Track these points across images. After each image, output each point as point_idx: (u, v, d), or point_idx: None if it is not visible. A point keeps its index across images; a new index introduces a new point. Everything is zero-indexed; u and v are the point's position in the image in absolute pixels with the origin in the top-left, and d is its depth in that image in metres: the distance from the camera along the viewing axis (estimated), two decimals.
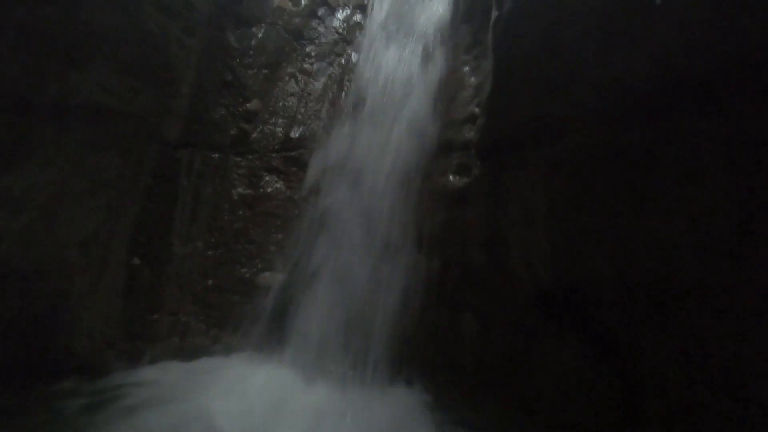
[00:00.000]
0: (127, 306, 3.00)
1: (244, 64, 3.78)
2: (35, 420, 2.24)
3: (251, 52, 3.84)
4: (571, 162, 2.28)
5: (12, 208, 2.11)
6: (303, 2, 4.22)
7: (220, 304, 3.46)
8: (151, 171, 3.05)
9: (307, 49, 4.21)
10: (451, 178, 3.07)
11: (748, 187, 1.70)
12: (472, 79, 3.27)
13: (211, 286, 3.46)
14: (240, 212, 3.66)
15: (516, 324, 2.68)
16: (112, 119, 2.34)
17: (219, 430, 2.24)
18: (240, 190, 3.70)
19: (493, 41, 2.67)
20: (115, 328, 2.89)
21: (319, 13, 4.35)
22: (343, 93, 4.13)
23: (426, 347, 3.04)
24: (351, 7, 4.47)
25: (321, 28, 4.32)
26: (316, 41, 4.26)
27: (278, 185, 3.80)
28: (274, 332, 3.34)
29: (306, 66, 4.15)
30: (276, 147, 3.87)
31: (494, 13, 2.69)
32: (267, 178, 3.80)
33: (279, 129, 3.91)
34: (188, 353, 3.26)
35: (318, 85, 4.12)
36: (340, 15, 4.44)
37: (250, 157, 3.79)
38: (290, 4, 4.12)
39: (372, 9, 4.33)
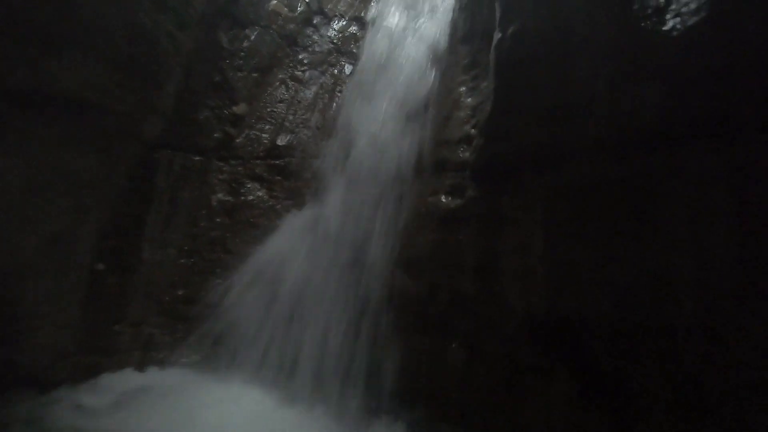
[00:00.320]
0: (86, 315, 2.74)
1: (234, 66, 3.63)
2: None
3: (242, 54, 3.70)
4: (572, 191, 2.22)
5: None
6: (299, 8, 4.12)
7: (190, 315, 3.23)
8: (127, 171, 2.83)
9: (300, 56, 4.10)
10: (443, 198, 2.98)
11: (755, 223, 1.67)
12: (469, 99, 3.22)
13: (181, 296, 3.23)
14: (218, 220, 3.46)
15: (505, 354, 2.58)
16: (92, 114, 2.14)
17: None
18: (220, 196, 3.50)
19: (496, 63, 2.62)
20: (70, 340, 2.63)
21: (315, 21, 4.26)
22: (335, 104, 4.02)
23: (408, 375, 2.89)
24: (347, 18, 4.41)
25: (315, 36, 4.23)
26: (310, 49, 4.15)
27: (260, 194, 3.63)
28: (246, 350, 3.13)
29: (298, 73, 4.03)
30: (261, 154, 3.71)
31: (497, 35, 2.65)
32: (249, 186, 3.62)
33: (265, 135, 3.76)
34: (150, 368, 3.01)
35: (309, 93, 4.00)
36: (336, 25, 4.36)
37: (233, 162, 3.62)
38: (286, 9, 4.02)
39: (372, 24, 4.27)
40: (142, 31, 2.19)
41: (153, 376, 2.86)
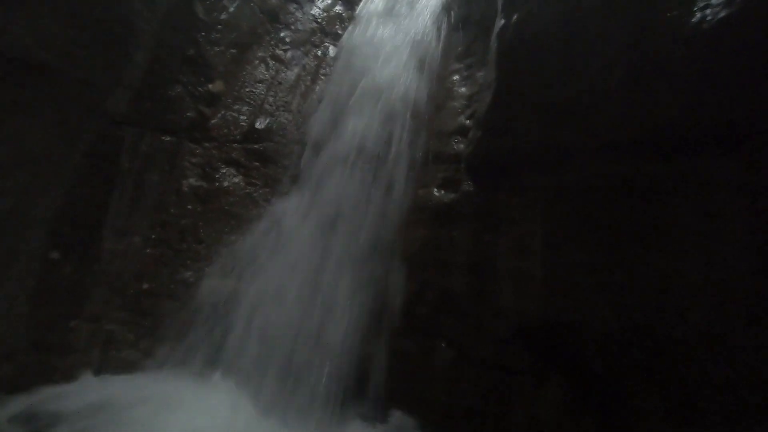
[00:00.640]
0: (36, 309, 2.44)
1: (210, 39, 3.33)
2: None
3: (220, 27, 3.39)
4: (576, 191, 2.13)
5: None
6: None
7: (155, 311, 2.96)
8: (87, 148, 2.52)
9: (282, 34, 3.83)
10: (435, 191, 2.84)
11: None
12: (463, 89, 3.08)
13: (146, 290, 2.96)
14: (189, 207, 3.18)
15: (495, 357, 2.49)
16: (49, 78, 1.84)
17: None
18: (192, 181, 3.22)
19: (498, 52, 2.48)
20: (17, 337, 2.33)
21: None
22: (318, 87, 3.79)
23: (392, 377, 2.76)
24: None
25: (299, 14, 3.96)
26: (292, 27, 3.89)
27: (237, 180, 3.38)
28: (218, 348, 2.90)
29: (279, 52, 3.76)
30: (238, 137, 3.44)
31: (500, 21, 2.50)
32: (224, 171, 3.36)
33: (243, 117, 3.49)
34: (111, 368, 2.74)
35: (291, 74, 3.75)
36: (321, 4, 4.11)
37: (207, 145, 3.33)
38: None
39: (358, 5, 4.05)
40: None
41: (113, 379, 2.59)
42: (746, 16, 1.45)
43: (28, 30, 1.68)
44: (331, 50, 3.97)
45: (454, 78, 3.19)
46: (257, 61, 3.66)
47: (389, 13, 3.90)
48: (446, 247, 2.67)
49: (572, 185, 2.15)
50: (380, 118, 3.45)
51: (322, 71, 3.87)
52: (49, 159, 2.06)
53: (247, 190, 3.37)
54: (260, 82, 3.63)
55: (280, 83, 3.70)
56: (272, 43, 3.76)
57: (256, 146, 3.47)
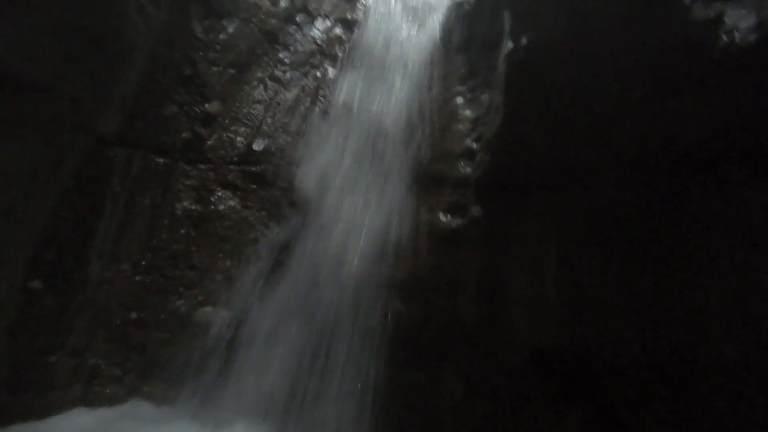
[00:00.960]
0: (14, 344, 2.25)
1: (208, 59, 3.25)
2: None
3: (218, 47, 3.32)
4: (593, 212, 2.05)
5: None
6: (282, 3, 3.80)
7: (144, 343, 2.77)
8: (74, 169, 2.38)
9: (281, 55, 3.77)
10: (441, 216, 2.74)
11: None
12: (468, 111, 3.03)
13: (134, 320, 2.77)
14: (182, 231, 3.04)
15: (507, 387, 2.36)
16: (32, 95, 1.70)
17: None
18: (185, 204, 3.08)
19: (507, 75, 2.44)
20: None
21: (298, 19, 3.96)
22: (317, 108, 3.72)
23: (397, 409, 2.60)
24: (332, 19, 4.14)
25: (298, 36, 3.92)
26: (292, 48, 3.84)
27: (232, 203, 3.24)
28: (211, 383, 2.71)
29: (278, 73, 3.70)
30: (234, 159, 3.33)
31: (508, 44, 2.47)
32: (220, 194, 3.23)
33: (240, 139, 3.39)
34: (94, 406, 2.53)
35: (289, 95, 3.67)
36: (320, 25, 4.08)
37: (202, 166, 3.21)
38: (268, 2, 3.69)
39: (358, 27, 4.03)
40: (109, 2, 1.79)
41: (97, 418, 2.37)
42: None
43: (12, 44, 1.55)
44: (331, 72, 3.92)
45: (458, 100, 3.14)
46: (256, 82, 3.58)
47: (390, 35, 3.89)
48: (453, 272, 2.56)
49: (588, 206, 2.08)
50: (383, 142, 3.39)
51: (321, 92, 3.80)
52: (32, 181, 1.91)
53: (243, 214, 3.24)
54: (258, 102, 3.55)
55: (278, 104, 3.62)
56: (271, 63, 3.70)
57: (253, 168, 3.36)
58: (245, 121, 3.42)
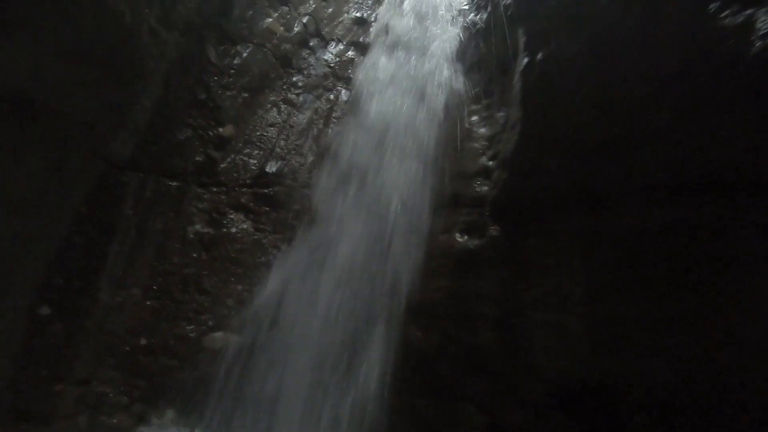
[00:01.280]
0: (21, 372, 2.21)
1: (222, 83, 3.27)
2: None
3: (232, 71, 3.36)
4: (619, 237, 1.92)
5: None
6: (295, 29, 3.85)
7: (152, 370, 2.71)
8: (86, 195, 2.38)
9: (294, 79, 3.79)
10: (457, 237, 2.63)
11: None
12: (483, 130, 2.96)
13: (143, 346, 2.72)
14: (194, 255, 3.00)
15: (530, 425, 2.19)
16: (43, 119, 1.71)
17: None
18: (197, 227, 3.06)
19: (523, 92, 2.36)
20: None
21: (311, 44, 3.99)
22: (330, 130, 3.70)
23: None
24: (345, 42, 4.17)
25: (311, 59, 3.95)
26: (305, 72, 3.86)
27: (245, 226, 3.20)
28: (221, 411, 2.61)
29: (291, 96, 3.71)
30: (247, 181, 3.31)
31: (523, 60, 2.40)
32: (232, 217, 3.20)
33: (253, 161, 3.37)
34: None
35: (302, 118, 3.67)
36: (333, 49, 4.10)
37: (215, 189, 3.20)
38: (282, 28, 3.74)
39: (370, 49, 4.04)
40: (117, 22, 1.79)
41: None
42: None
43: (24, 69, 1.56)
44: (344, 94, 3.92)
45: (473, 119, 3.07)
46: (269, 105, 3.59)
47: (403, 55, 3.88)
48: (471, 298, 2.43)
49: (614, 229, 1.95)
50: (397, 162, 3.33)
51: (334, 114, 3.79)
52: (42, 205, 1.91)
53: (255, 237, 3.19)
54: (272, 125, 3.54)
55: (291, 126, 3.61)
56: (284, 87, 3.71)
57: (266, 191, 3.33)
58: (258, 143, 3.42)
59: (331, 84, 3.94)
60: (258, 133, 3.45)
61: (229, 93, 3.30)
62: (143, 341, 2.71)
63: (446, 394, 2.45)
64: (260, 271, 3.10)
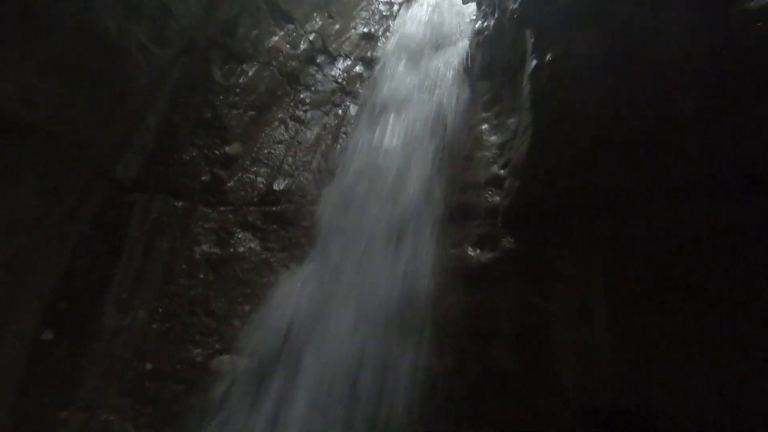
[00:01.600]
0: (23, 399, 2.15)
1: (228, 102, 3.27)
2: None
3: (238, 90, 3.35)
4: (645, 242, 1.76)
5: None
6: (302, 46, 3.85)
7: (159, 396, 2.62)
8: (92, 217, 2.36)
9: (302, 95, 3.77)
10: (469, 251, 2.50)
11: None
12: (493, 137, 2.84)
13: (149, 371, 2.64)
14: (201, 275, 2.94)
15: None
16: (36, 141, 1.69)
17: None
18: (205, 247, 3.00)
19: (532, 94, 2.25)
20: None
21: (318, 60, 3.99)
22: (338, 145, 3.64)
23: None
24: (353, 58, 4.15)
25: (319, 76, 3.93)
26: (313, 88, 3.84)
27: (252, 245, 3.14)
28: None
29: (299, 113, 3.68)
30: (255, 200, 3.26)
31: (532, 62, 2.29)
32: (240, 236, 3.14)
33: (261, 179, 3.33)
34: None
35: (310, 134, 3.63)
36: (341, 65, 4.09)
37: (222, 209, 3.15)
38: (288, 46, 3.74)
39: (379, 63, 4.01)
40: (103, 39, 1.76)
41: None
42: None
43: (9, 88, 1.54)
44: (352, 108, 3.88)
45: (483, 127, 2.97)
46: (277, 123, 3.57)
47: (411, 67, 3.83)
48: (487, 315, 2.28)
49: (638, 235, 1.79)
50: (406, 175, 3.23)
51: (343, 129, 3.74)
52: (41, 228, 1.87)
53: (263, 256, 3.12)
54: (279, 143, 3.51)
55: (299, 143, 3.57)
56: (292, 104, 3.69)
57: (273, 208, 3.27)
58: (266, 161, 3.38)
59: (339, 99, 3.91)
60: (265, 151, 3.42)
61: (235, 111, 3.29)
62: (149, 366, 2.64)
63: (463, 418, 2.28)
64: (268, 290, 3.02)
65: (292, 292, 2.99)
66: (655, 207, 1.68)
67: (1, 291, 1.83)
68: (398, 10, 4.57)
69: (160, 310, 2.77)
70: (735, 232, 1.49)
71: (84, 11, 1.64)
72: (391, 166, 3.32)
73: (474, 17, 3.75)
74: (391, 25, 4.45)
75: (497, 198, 2.49)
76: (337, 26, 4.23)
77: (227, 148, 3.19)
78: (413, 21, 4.35)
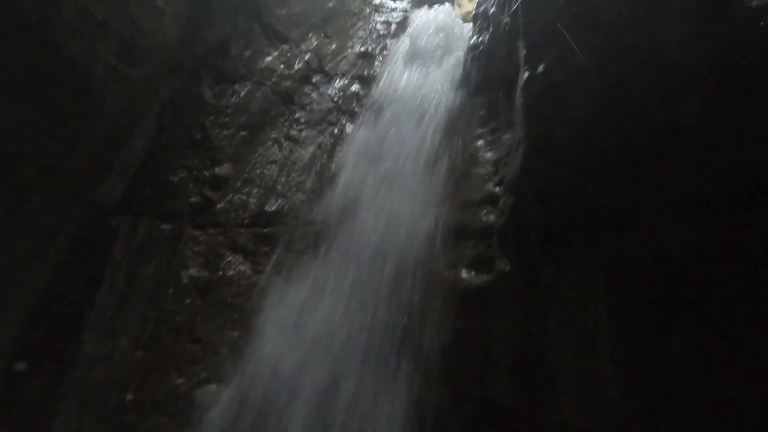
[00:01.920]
0: None
1: (218, 122, 3.22)
2: None
3: (229, 110, 3.31)
4: (650, 263, 1.60)
5: None
6: (297, 66, 3.82)
7: (140, 428, 2.49)
8: (71, 241, 2.28)
9: (297, 115, 3.72)
10: (464, 273, 2.36)
11: None
12: (489, 154, 2.73)
13: (130, 402, 2.52)
14: (188, 300, 2.84)
15: None
16: (2, 165, 1.63)
17: None
18: (193, 271, 2.91)
19: (525, 107, 2.14)
20: None
21: (314, 80, 3.95)
22: (333, 164, 3.56)
23: None
24: (349, 77, 4.11)
25: (314, 95, 3.89)
26: (308, 107, 3.79)
27: (242, 268, 3.04)
28: None
29: (293, 132, 3.62)
30: (246, 221, 3.17)
31: (525, 74, 2.20)
32: (230, 259, 3.04)
33: (252, 200, 3.25)
34: None
35: (305, 153, 3.56)
36: (337, 84, 4.05)
37: (211, 231, 3.07)
38: (282, 66, 3.72)
39: (376, 82, 3.96)
40: (64, 58, 1.69)
41: None
42: None
43: None
44: (348, 127, 3.81)
45: (479, 143, 2.86)
46: (270, 143, 3.51)
47: (407, 84, 3.77)
48: (482, 342, 2.12)
49: (643, 253, 1.63)
50: (400, 194, 3.12)
51: (338, 148, 3.67)
52: (9, 254, 1.79)
53: (253, 279, 3.01)
54: (272, 162, 3.44)
55: (294, 163, 3.50)
56: (286, 124, 3.64)
57: (265, 230, 3.18)
58: (258, 182, 3.31)
59: (335, 118, 3.85)
60: (258, 171, 3.35)
61: (226, 132, 3.24)
62: (130, 396, 2.52)
63: None
64: (258, 315, 2.89)
65: (282, 315, 2.87)
66: (659, 223, 1.54)
67: None
68: (395, 28, 4.55)
69: (144, 337, 2.66)
70: (747, 249, 1.34)
71: (41, 26, 1.58)
72: (388, 185, 3.22)
73: (469, 33, 3.69)
74: (389, 44, 4.42)
75: (492, 217, 2.36)
76: (334, 46, 4.21)
77: (217, 169, 3.13)
78: (411, 39, 4.32)
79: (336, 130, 3.79)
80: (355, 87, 4.06)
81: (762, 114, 1.21)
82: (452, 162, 2.94)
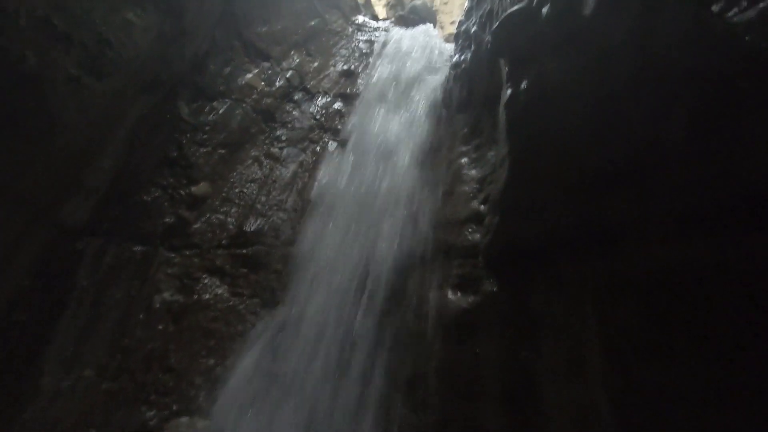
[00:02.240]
0: None
1: (195, 140, 3.12)
2: None
3: (207, 128, 3.21)
4: (640, 282, 1.55)
5: None
6: (278, 83, 3.76)
7: None
8: (30, 265, 2.13)
9: (278, 133, 3.65)
10: (450, 294, 2.27)
11: None
12: (473, 171, 2.68)
13: None
14: (160, 326, 2.68)
15: None
16: None
17: None
18: (166, 295, 2.76)
19: (509, 124, 2.11)
20: None
21: (296, 97, 3.90)
22: (315, 183, 3.48)
23: None
24: (332, 95, 4.07)
25: (296, 113, 3.83)
26: (289, 125, 3.72)
27: (220, 291, 2.90)
28: None
29: (274, 150, 3.54)
30: (224, 242, 3.05)
31: (507, 91, 2.16)
32: (206, 281, 2.91)
33: (231, 220, 3.13)
34: None
35: (286, 172, 3.47)
36: (319, 101, 4.00)
37: (187, 252, 2.93)
38: (263, 83, 3.65)
39: (358, 99, 3.92)
40: (19, 68, 1.57)
41: None
42: None
43: None
44: (331, 145, 3.75)
45: (463, 161, 2.81)
46: (250, 161, 3.42)
47: (389, 103, 3.74)
48: (471, 369, 2.02)
49: (635, 274, 1.58)
50: (383, 212, 3.05)
51: (320, 166, 3.59)
52: None
53: (230, 303, 2.87)
54: (252, 181, 3.34)
55: (274, 181, 3.41)
56: (267, 141, 3.56)
57: (244, 251, 3.06)
58: (237, 201, 3.20)
59: (317, 136, 3.78)
60: (236, 190, 3.24)
61: (204, 150, 3.14)
62: None
63: None
64: (235, 341, 2.75)
65: (261, 340, 2.73)
66: (647, 241, 1.48)
67: None
68: (379, 48, 4.55)
69: (111, 368, 2.49)
70: (743, 270, 1.29)
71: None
72: (370, 203, 3.15)
73: (451, 53, 3.70)
74: (371, 62, 4.41)
75: (477, 236, 2.29)
76: (316, 64, 4.17)
77: (194, 188, 3.01)
78: (393, 58, 4.32)
79: (318, 148, 3.72)
80: (337, 105, 4.02)
81: (751, 129, 1.18)
82: (436, 181, 2.88)
